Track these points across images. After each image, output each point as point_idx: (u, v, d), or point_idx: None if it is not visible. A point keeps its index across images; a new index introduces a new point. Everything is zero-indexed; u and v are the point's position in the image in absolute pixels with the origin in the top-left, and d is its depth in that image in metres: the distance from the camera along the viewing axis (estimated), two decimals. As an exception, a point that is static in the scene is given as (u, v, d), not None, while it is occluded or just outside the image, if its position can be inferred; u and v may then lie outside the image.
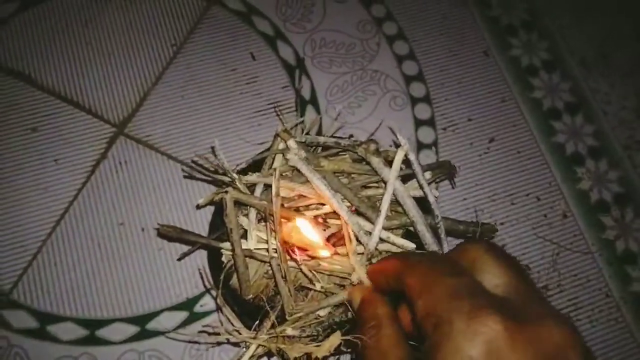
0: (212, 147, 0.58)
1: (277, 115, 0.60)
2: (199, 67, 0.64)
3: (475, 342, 0.21)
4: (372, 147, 0.40)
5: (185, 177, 0.57)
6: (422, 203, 0.42)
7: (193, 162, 0.55)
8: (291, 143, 0.39)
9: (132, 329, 0.53)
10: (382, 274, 0.31)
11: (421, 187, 0.41)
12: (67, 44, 0.63)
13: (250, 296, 0.42)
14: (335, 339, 0.30)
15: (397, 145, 0.41)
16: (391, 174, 0.40)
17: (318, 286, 0.39)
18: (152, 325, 0.53)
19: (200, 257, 0.54)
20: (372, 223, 0.39)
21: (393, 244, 0.40)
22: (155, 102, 0.62)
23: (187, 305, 0.54)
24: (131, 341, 0.52)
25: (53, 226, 0.56)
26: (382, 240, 0.40)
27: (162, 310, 0.54)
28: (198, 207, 0.51)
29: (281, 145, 0.41)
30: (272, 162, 0.42)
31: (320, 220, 0.40)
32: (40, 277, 0.54)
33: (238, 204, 0.39)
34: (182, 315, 0.53)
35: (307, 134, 0.46)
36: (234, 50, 0.65)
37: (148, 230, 0.56)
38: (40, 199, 0.57)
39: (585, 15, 0.73)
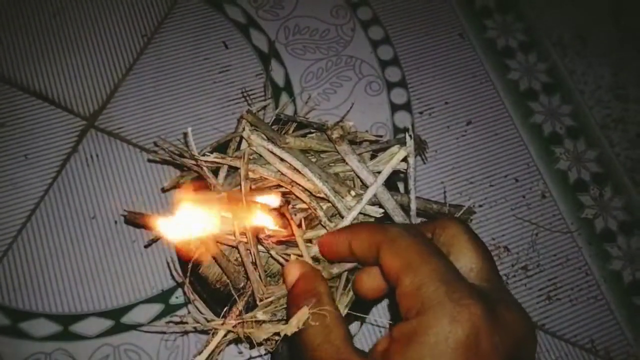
0: (184, 134, 0.57)
1: (248, 103, 0.59)
2: (170, 57, 0.63)
3: (462, 326, 0.23)
4: (336, 133, 0.39)
5: (149, 160, 0.56)
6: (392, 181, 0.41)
7: (155, 144, 0.54)
8: (247, 131, 0.38)
9: (107, 323, 0.52)
10: (354, 242, 0.30)
11: (408, 191, 0.41)
12: (35, 36, 0.62)
13: (241, 284, 0.41)
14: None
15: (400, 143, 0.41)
16: (381, 175, 0.39)
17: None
18: (127, 318, 0.52)
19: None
20: (343, 197, 0.39)
21: (364, 213, 0.39)
22: (127, 94, 0.61)
23: (162, 297, 0.53)
24: (106, 335, 0.51)
25: (24, 222, 0.55)
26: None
27: (137, 303, 0.53)
28: (163, 190, 0.50)
29: (246, 128, 0.40)
30: (237, 146, 0.41)
31: (285, 202, 0.39)
32: (12, 274, 0.53)
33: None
34: (158, 307, 0.52)
35: (279, 115, 0.45)
36: (206, 39, 0.64)
37: (121, 223, 0.55)
38: (10, 195, 0.56)
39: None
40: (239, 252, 0.38)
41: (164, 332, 0.49)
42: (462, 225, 0.29)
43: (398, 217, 0.41)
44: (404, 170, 0.42)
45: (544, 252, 0.59)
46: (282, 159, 0.40)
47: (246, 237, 0.38)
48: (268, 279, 0.41)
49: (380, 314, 0.54)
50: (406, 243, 0.26)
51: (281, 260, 0.39)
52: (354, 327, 0.52)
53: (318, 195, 0.40)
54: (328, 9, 0.67)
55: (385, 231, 0.28)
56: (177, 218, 0.35)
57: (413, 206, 0.41)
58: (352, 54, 0.65)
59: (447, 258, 0.27)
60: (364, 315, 0.42)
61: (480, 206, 0.60)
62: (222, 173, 0.40)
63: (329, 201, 0.40)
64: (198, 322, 0.36)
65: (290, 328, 0.31)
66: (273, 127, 0.44)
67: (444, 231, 0.29)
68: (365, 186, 0.41)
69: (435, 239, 0.29)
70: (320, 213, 0.38)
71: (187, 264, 0.41)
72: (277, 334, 0.33)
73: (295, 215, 0.44)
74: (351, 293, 0.41)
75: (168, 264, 0.51)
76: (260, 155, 0.40)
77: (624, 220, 0.62)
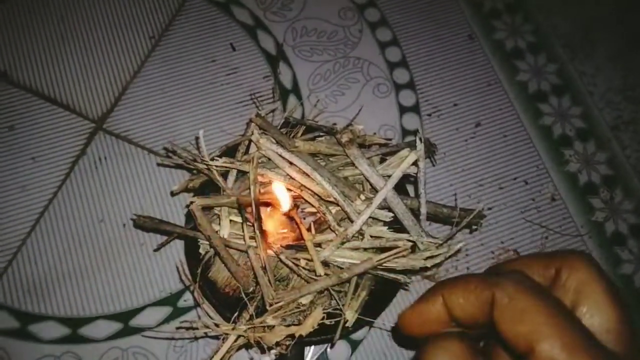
0: (196, 138, 0.57)
1: (256, 105, 0.59)
2: (178, 59, 0.63)
3: None
4: (345, 137, 0.39)
5: (158, 164, 0.56)
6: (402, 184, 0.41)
7: (165, 149, 0.54)
8: (256, 135, 0.38)
9: (116, 326, 0.52)
10: (454, 303, 0.24)
11: (418, 195, 0.40)
12: (44, 39, 0.62)
13: (250, 289, 0.40)
14: (318, 314, 0.29)
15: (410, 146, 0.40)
16: (391, 179, 0.39)
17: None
18: (135, 321, 0.52)
19: (182, 250, 0.53)
20: (352, 200, 0.39)
21: (374, 217, 0.39)
22: (134, 96, 0.61)
23: (171, 300, 0.53)
24: (114, 338, 0.51)
25: (32, 225, 0.55)
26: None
27: (145, 306, 0.53)
28: (172, 194, 0.50)
29: (255, 132, 0.40)
30: (246, 149, 0.41)
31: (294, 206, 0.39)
32: (21, 277, 0.53)
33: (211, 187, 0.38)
34: (166, 310, 0.52)
35: (287, 118, 0.45)
36: (213, 41, 0.64)
37: (129, 226, 0.55)
38: (19, 198, 0.56)
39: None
40: (248, 257, 0.38)
41: (174, 338, 0.49)
42: (595, 268, 0.24)
43: (408, 221, 0.41)
44: (414, 174, 0.41)
45: (554, 256, 0.58)
46: (291, 163, 0.40)
47: (256, 242, 0.38)
48: (277, 283, 0.41)
49: (388, 318, 0.53)
50: (528, 303, 0.22)
51: (290, 264, 0.39)
52: (362, 331, 0.52)
53: (327, 199, 0.40)
54: (336, 11, 0.67)
55: (496, 285, 0.22)
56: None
57: (423, 210, 0.41)
58: (360, 56, 0.65)
59: (580, 322, 0.22)
60: (372, 320, 0.42)
61: (489, 209, 0.60)
62: (232, 177, 0.40)
63: (338, 205, 0.40)
64: (208, 327, 0.36)
65: (306, 329, 0.31)
66: (282, 130, 0.44)
67: (572, 274, 0.23)
68: (374, 190, 0.40)
69: (559, 281, 0.24)
70: (330, 217, 0.38)
71: (196, 267, 0.41)
72: (289, 336, 0.33)
73: (305, 219, 0.44)
74: (361, 297, 0.40)
75: (177, 267, 0.51)
76: (269, 159, 0.40)
77: (635, 224, 0.61)
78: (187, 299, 0.53)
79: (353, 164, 0.41)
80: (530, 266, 0.25)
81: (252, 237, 0.38)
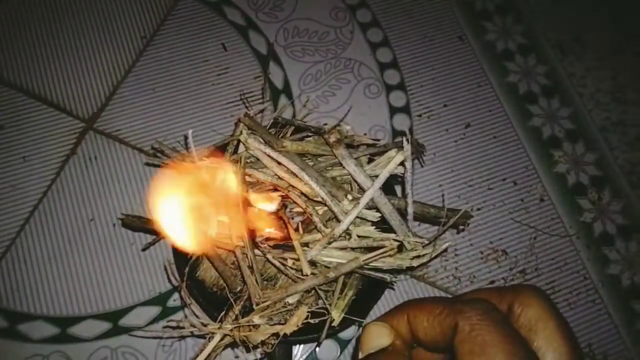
0: (185, 137, 0.57)
1: (245, 106, 0.59)
2: (169, 59, 0.63)
3: None
4: (333, 137, 0.39)
5: (146, 164, 0.56)
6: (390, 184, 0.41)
7: (153, 148, 0.54)
8: (245, 136, 0.38)
9: (105, 326, 0.52)
10: (418, 326, 0.25)
11: (405, 195, 0.41)
12: (34, 38, 0.62)
13: (238, 288, 0.41)
14: (302, 312, 0.29)
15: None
16: (378, 179, 0.39)
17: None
18: (124, 321, 0.52)
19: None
20: (340, 200, 0.39)
21: (361, 217, 0.39)
22: (125, 96, 0.61)
23: (160, 299, 0.53)
24: (104, 338, 0.51)
25: (22, 224, 0.55)
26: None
27: (134, 306, 0.53)
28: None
29: (243, 132, 0.40)
30: (235, 149, 0.41)
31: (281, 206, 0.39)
32: (10, 276, 0.53)
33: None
34: (155, 310, 0.53)
35: (276, 118, 0.45)
36: (205, 42, 0.64)
37: (119, 226, 0.55)
38: (9, 197, 0.56)
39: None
40: (235, 256, 0.38)
41: (161, 338, 0.49)
42: (547, 304, 0.24)
43: (395, 221, 0.41)
44: (402, 174, 0.42)
45: (542, 256, 0.59)
46: (279, 163, 0.40)
47: (243, 241, 0.38)
48: (265, 282, 0.41)
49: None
50: (489, 337, 0.22)
51: (277, 264, 0.39)
52: (351, 330, 0.52)
53: (315, 199, 0.40)
54: (327, 11, 0.67)
55: (461, 313, 0.23)
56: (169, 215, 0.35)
57: (410, 210, 0.41)
58: (351, 57, 0.65)
59: (536, 358, 0.23)
60: (361, 320, 0.42)
61: (478, 209, 0.60)
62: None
63: (325, 205, 0.40)
64: (194, 327, 0.36)
65: (290, 327, 0.31)
66: (271, 130, 0.44)
67: (525, 309, 0.24)
68: (362, 190, 0.41)
69: (513, 316, 0.24)
70: (316, 219, 0.38)
71: (184, 267, 0.41)
72: (274, 335, 0.33)
73: (293, 218, 0.44)
74: (348, 297, 0.41)
75: (165, 267, 0.51)
76: (258, 159, 0.40)
77: (623, 224, 0.62)
78: (176, 299, 0.53)
79: (341, 164, 0.41)
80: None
81: (239, 237, 0.38)
